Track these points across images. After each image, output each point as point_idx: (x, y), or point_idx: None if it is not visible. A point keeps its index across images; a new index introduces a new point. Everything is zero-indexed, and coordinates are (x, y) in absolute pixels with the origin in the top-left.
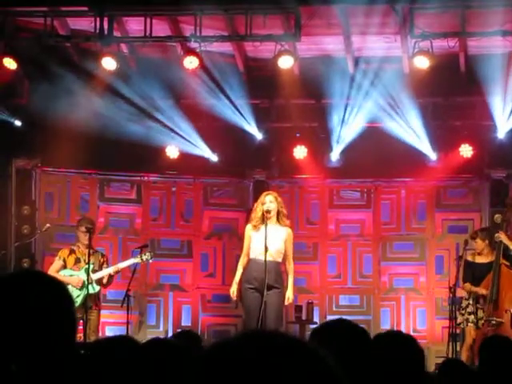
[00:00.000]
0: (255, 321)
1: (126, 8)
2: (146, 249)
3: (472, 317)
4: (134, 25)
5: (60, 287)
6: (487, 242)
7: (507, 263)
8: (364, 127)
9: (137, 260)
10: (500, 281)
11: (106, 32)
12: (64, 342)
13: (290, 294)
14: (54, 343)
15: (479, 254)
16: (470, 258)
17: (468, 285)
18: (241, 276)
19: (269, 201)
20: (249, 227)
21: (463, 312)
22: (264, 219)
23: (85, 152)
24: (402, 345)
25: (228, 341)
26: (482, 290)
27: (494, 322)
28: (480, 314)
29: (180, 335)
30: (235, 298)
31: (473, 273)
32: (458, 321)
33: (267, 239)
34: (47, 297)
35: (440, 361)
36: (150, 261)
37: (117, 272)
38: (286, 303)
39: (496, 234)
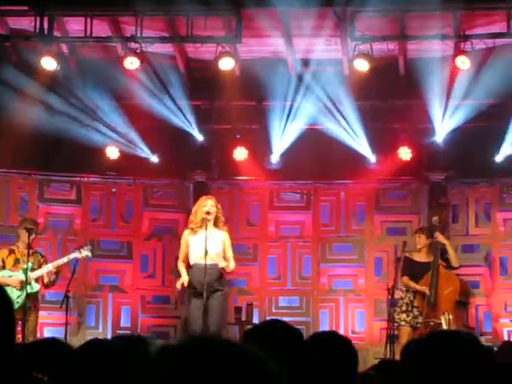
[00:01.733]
0: (198, 324)
1: (67, 8)
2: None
3: (404, 315)
4: (75, 25)
5: None
6: (429, 240)
7: (444, 264)
8: (304, 129)
9: (76, 254)
10: (438, 282)
11: (46, 32)
12: (2, 345)
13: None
14: None
15: (419, 251)
16: (409, 255)
17: (406, 278)
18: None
19: (209, 204)
20: (186, 233)
21: (397, 310)
22: (203, 223)
23: (24, 152)
24: (336, 345)
25: (174, 347)
26: (422, 288)
27: (432, 324)
28: (415, 311)
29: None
30: (186, 286)
31: (411, 270)
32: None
33: (207, 243)
34: None
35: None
36: (90, 255)
37: (57, 268)
38: (227, 270)
39: (434, 236)
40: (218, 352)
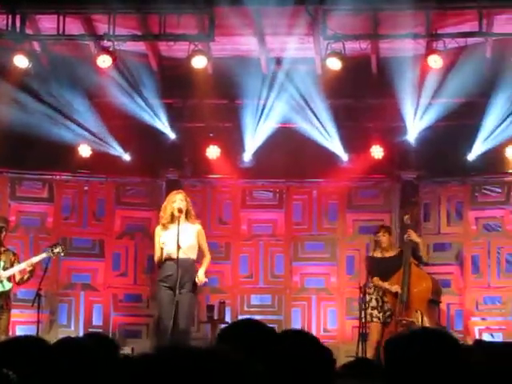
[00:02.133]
0: (168, 319)
1: (39, 6)
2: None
3: (376, 311)
4: (47, 23)
5: None
6: (391, 237)
7: (416, 262)
8: (277, 128)
9: (48, 254)
10: (410, 280)
11: (18, 30)
12: None
13: (200, 274)
14: None
15: (384, 249)
16: (373, 254)
17: (376, 279)
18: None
19: (179, 199)
20: (158, 229)
21: (367, 306)
22: (174, 218)
23: None
24: (308, 344)
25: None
26: (394, 287)
27: (404, 322)
28: (385, 307)
29: (92, 336)
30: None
31: (378, 268)
32: (363, 315)
33: (179, 237)
34: None
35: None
36: (62, 254)
37: (31, 267)
38: (198, 282)
39: (406, 235)
40: (192, 358)
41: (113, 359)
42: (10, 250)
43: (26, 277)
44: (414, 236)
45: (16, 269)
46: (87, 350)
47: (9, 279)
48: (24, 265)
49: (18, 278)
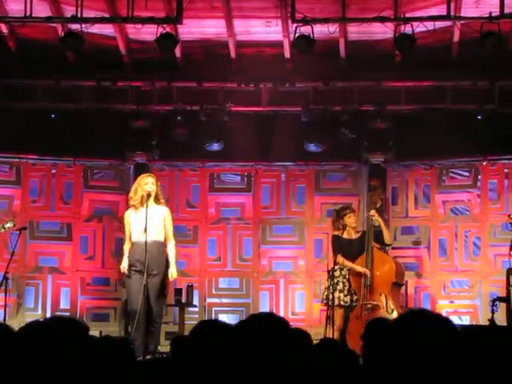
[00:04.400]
0: (136, 303)
1: None
2: (25, 231)
3: (342, 295)
4: (14, 5)
5: None
6: (357, 218)
7: (378, 246)
8: (245, 111)
9: None
10: (373, 264)
11: None
12: None
13: (173, 270)
14: None
15: (352, 230)
16: (337, 233)
17: (342, 258)
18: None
19: (150, 182)
20: (127, 212)
21: (333, 288)
22: (143, 201)
23: None
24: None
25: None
26: (363, 269)
27: (369, 306)
28: (351, 291)
29: (59, 320)
30: (126, 272)
31: (344, 249)
32: (326, 295)
33: (147, 220)
34: None
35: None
36: (11, 226)
37: None
38: (171, 279)
39: (372, 216)
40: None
41: (82, 342)
42: None
43: None
44: (376, 216)
45: None
46: (55, 334)
47: None
48: None
49: None
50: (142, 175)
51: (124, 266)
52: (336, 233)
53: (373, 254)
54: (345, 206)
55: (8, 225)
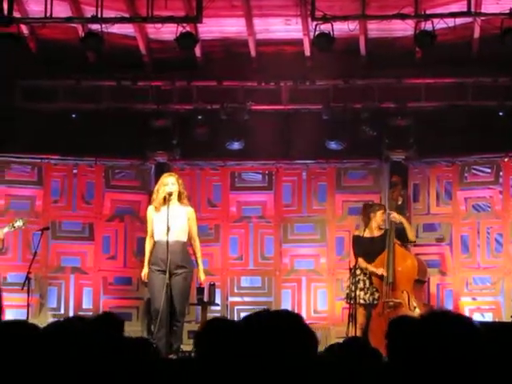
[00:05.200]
0: (159, 302)
1: None
2: (47, 231)
3: (362, 293)
4: (35, 5)
5: None
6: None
7: (399, 242)
8: (266, 110)
9: (9, 228)
10: (395, 261)
11: (5, 12)
12: None
13: (201, 275)
14: None
15: (376, 228)
16: (362, 234)
17: (362, 261)
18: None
19: (170, 183)
20: (150, 209)
21: (355, 286)
22: (165, 201)
23: None
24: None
25: None
26: (379, 270)
27: (392, 304)
28: (372, 289)
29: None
30: (146, 281)
31: (365, 248)
32: (348, 293)
33: (169, 220)
34: None
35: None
36: (21, 225)
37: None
38: (202, 282)
39: (391, 215)
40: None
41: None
42: None
43: None
44: (398, 216)
45: None
46: (80, 334)
47: None
48: None
49: None
50: (164, 175)
51: (145, 273)
52: (356, 233)
53: (395, 251)
54: (376, 203)
55: (17, 223)
